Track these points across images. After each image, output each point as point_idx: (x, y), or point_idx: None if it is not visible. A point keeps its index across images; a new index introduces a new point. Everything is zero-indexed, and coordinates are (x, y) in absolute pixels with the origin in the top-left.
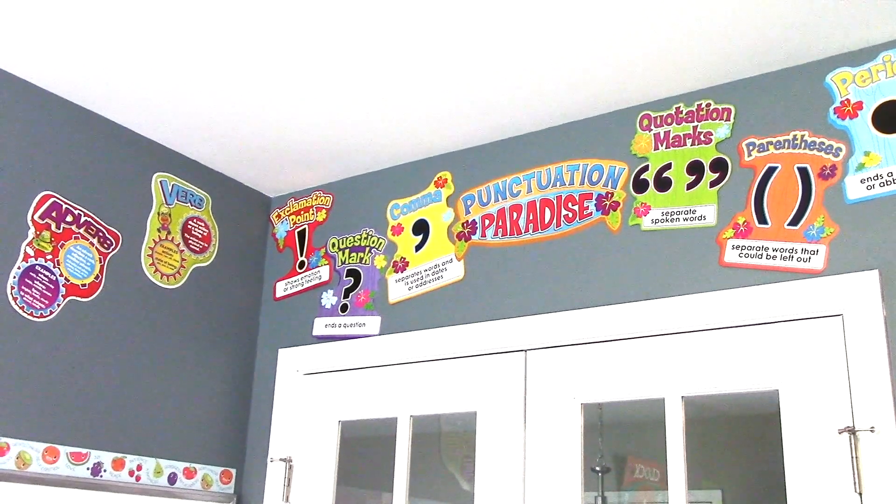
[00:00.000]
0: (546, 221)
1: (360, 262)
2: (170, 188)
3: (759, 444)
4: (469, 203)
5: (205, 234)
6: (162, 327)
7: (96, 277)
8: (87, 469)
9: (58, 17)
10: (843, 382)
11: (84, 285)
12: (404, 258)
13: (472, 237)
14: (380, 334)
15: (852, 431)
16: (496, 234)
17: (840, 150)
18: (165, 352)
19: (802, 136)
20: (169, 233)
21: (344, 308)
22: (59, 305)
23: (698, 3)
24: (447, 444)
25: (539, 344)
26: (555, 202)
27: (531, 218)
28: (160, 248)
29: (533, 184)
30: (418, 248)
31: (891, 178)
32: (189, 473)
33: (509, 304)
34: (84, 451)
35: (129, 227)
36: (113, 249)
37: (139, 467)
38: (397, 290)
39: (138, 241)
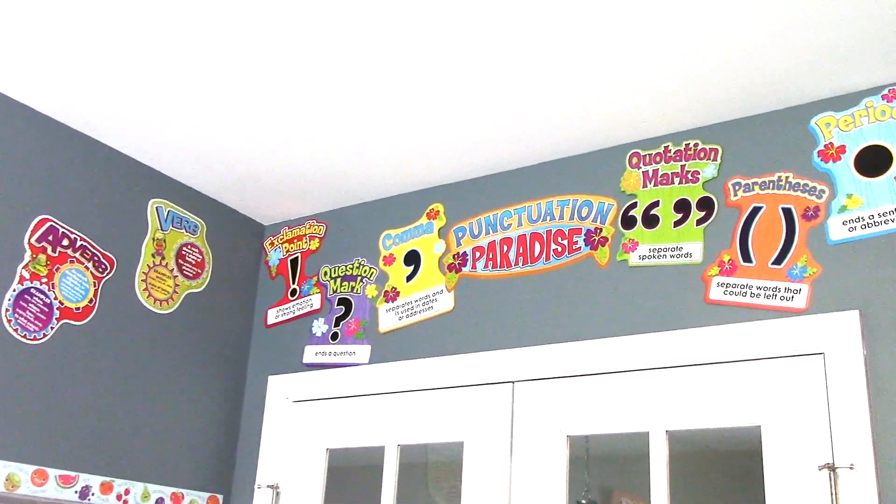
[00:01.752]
0: (536, 255)
1: (352, 290)
2: (165, 214)
3: (742, 479)
4: (460, 235)
5: (199, 260)
6: (154, 352)
7: (90, 301)
8: (76, 492)
9: (57, 42)
10: (824, 420)
11: (78, 309)
12: (395, 288)
13: (463, 269)
14: (369, 363)
15: (832, 468)
16: (486, 266)
17: (823, 192)
18: (156, 376)
19: (787, 177)
20: (163, 258)
21: (334, 336)
22: (52, 328)
23: (687, 46)
24: (434, 474)
25: (527, 376)
26: (545, 236)
27: (521, 251)
28: (154, 273)
29: (524, 218)
30: (409, 278)
31: (872, 221)
32: (176, 499)
33: (498, 336)
34: (73, 474)
35: (125, 252)
36: (108, 274)
37: (127, 491)
38: (388, 319)
39: (133, 266)
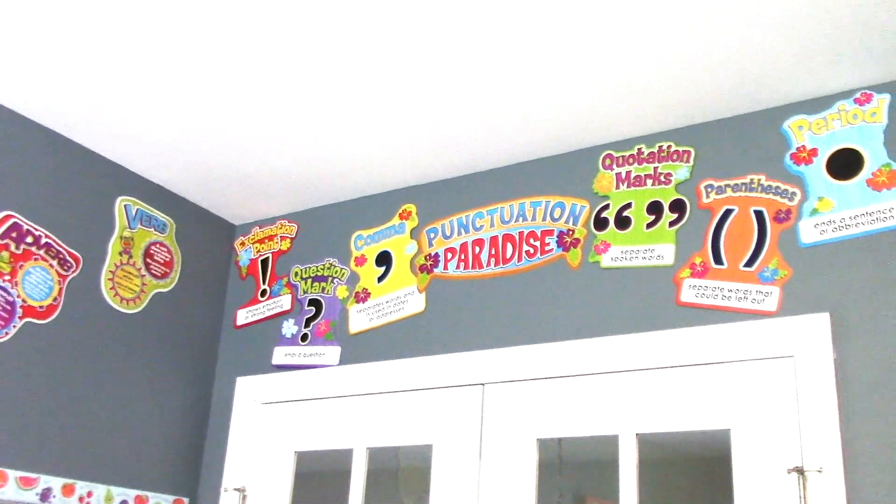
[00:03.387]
0: (508, 256)
1: (323, 291)
2: (133, 212)
3: (710, 483)
4: (432, 236)
5: (167, 259)
6: (119, 352)
7: (54, 300)
8: (37, 494)
9: (24, 39)
10: (794, 423)
11: (41, 307)
12: (366, 289)
13: (435, 270)
14: (339, 364)
15: (801, 471)
16: (458, 267)
17: (795, 194)
18: (121, 377)
19: (759, 180)
20: (131, 257)
21: (304, 337)
22: (14, 327)
23: (660, 49)
24: (405, 479)
25: (497, 378)
26: (517, 238)
27: (493, 252)
28: (121, 272)
29: (496, 219)
30: (381, 279)
31: (843, 224)
32: (141, 501)
33: (469, 338)
34: (34, 475)
35: (91, 250)
36: (73, 272)
37: (90, 494)
38: (358, 320)
39: (99, 265)
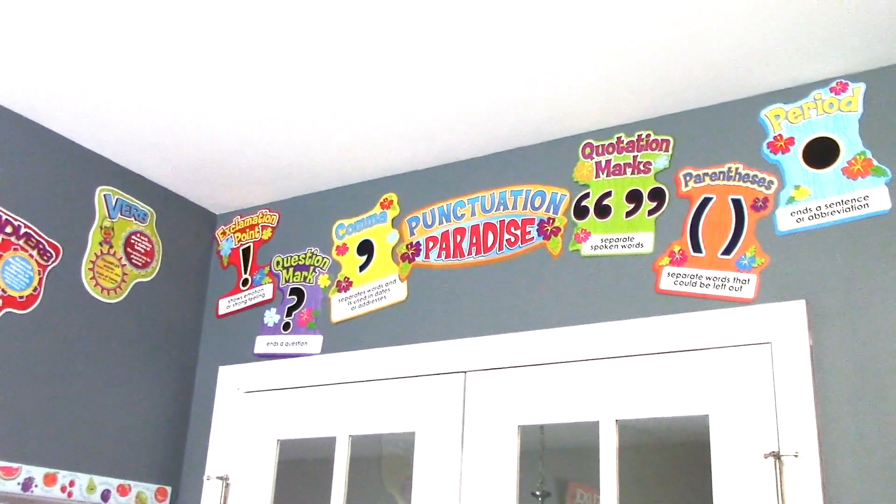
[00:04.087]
0: (489, 245)
1: (304, 280)
2: (113, 202)
3: (689, 468)
4: (414, 225)
5: (148, 248)
6: (101, 341)
7: (34, 290)
8: (18, 484)
9: (1, 28)
10: (770, 408)
11: (21, 297)
12: (348, 278)
13: (416, 259)
14: (321, 353)
15: (777, 456)
16: (440, 256)
17: (772, 183)
18: (103, 366)
19: (737, 168)
20: (111, 247)
21: (286, 326)
22: None
23: (639, 37)
24: (388, 466)
25: (479, 366)
26: (498, 226)
27: (474, 241)
28: (102, 261)
29: (477, 208)
30: (362, 268)
31: (819, 212)
32: (123, 490)
33: (451, 326)
34: (15, 465)
35: (71, 240)
36: (53, 262)
37: (72, 483)
38: (340, 309)
39: (79, 255)
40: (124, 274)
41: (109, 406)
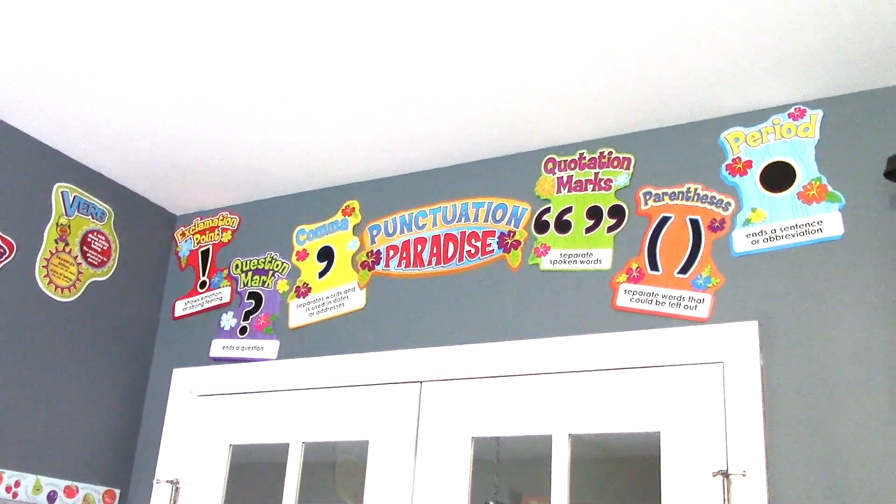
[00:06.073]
0: (449, 256)
1: (263, 285)
2: (71, 199)
3: (640, 484)
4: (375, 233)
5: (105, 248)
6: (53, 341)
7: None
8: None
9: None
10: (720, 427)
11: None
12: (307, 284)
13: (376, 267)
14: (277, 359)
15: (725, 474)
16: (400, 265)
17: (729, 204)
18: (54, 365)
19: (696, 189)
20: (67, 244)
21: (243, 330)
22: None
23: (603, 55)
24: (342, 474)
25: (434, 376)
26: (458, 237)
27: (435, 251)
28: (56, 259)
29: (439, 218)
30: (322, 274)
31: (774, 235)
32: (70, 492)
33: (408, 335)
34: None
35: (25, 237)
36: (6, 258)
37: (17, 483)
38: (298, 315)
39: (34, 252)
40: (79, 273)
41: (59, 406)
